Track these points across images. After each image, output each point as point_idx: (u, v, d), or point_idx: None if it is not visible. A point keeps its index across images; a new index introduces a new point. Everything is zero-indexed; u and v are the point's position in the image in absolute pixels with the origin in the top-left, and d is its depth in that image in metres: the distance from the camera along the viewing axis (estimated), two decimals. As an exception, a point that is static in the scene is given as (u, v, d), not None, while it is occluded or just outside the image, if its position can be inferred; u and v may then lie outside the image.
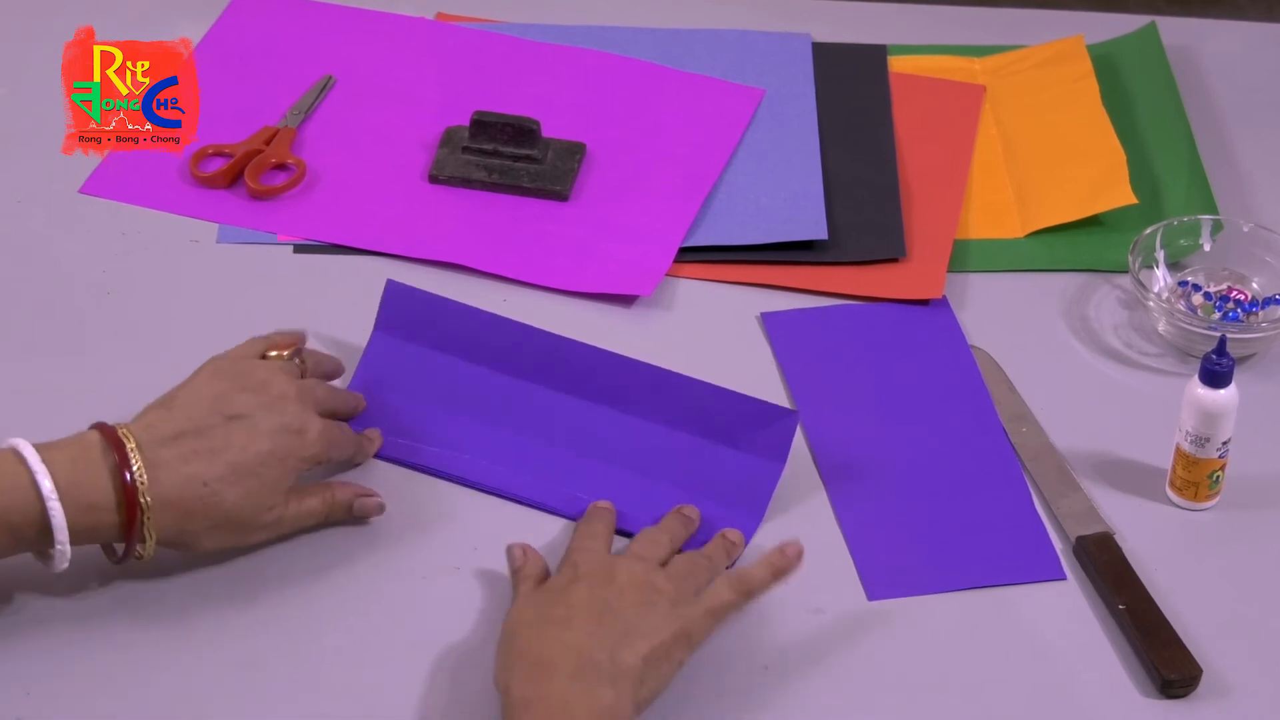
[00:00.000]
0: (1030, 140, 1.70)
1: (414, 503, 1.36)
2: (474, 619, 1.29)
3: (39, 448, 1.23)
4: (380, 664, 1.26)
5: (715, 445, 1.32)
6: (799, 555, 1.27)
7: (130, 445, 1.24)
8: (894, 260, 1.58)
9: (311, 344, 1.41)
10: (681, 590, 1.25)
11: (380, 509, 1.34)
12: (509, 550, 1.30)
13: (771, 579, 1.26)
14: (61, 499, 1.22)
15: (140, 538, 1.25)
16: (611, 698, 1.18)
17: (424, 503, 1.37)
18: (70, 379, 1.44)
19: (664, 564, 1.28)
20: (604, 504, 1.34)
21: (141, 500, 1.24)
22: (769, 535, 1.35)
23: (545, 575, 1.28)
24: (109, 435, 1.25)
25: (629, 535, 1.33)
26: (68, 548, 1.23)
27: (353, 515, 1.34)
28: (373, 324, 1.46)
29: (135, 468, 1.24)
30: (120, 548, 1.26)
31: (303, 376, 1.36)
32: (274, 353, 1.36)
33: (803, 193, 1.63)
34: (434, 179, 1.63)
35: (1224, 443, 1.35)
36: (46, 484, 1.22)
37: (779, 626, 1.29)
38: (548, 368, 1.41)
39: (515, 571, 1.29)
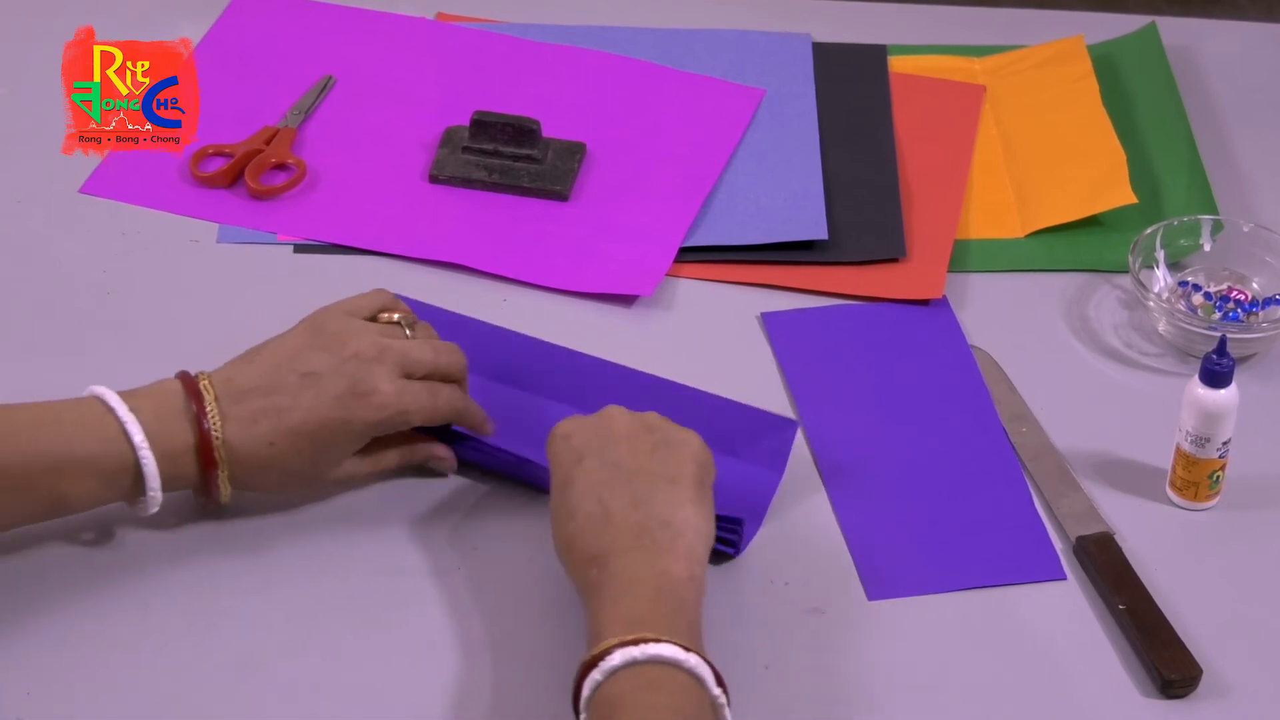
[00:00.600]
0: (1030, 140, 1.70)
1: (413, 502, 1.36)
2: (475, 618, 1.29)
3: (123, 395, 1.27)
4: (380, 664, 1.26)
5: (714, 454, 1.32)
6: None
7: (209, 398, 1.28)
8: (894, 260, 1.58)
9: None
10: (666, 429, 1.28)
11: (452, 467, 1.36)
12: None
13: None
14: (150, 447, 1.25)
15: (216, 485, 1.29)
16: (683, 566, 1.20)
17: (424, 502, 1.37)
18: (70, 379, 1.44)
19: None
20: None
21: (217, 453, 1.27)
22: (770, 534, 1.35)
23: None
24: (189, 385, 1.28)
25: None
26: (159, 494, 1.27)
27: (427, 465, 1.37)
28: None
29: (211, 418, 1.27)
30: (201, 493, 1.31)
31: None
32: (385, 315, 1.36)
33: (803, 193, 1.63)
34: (434, 179, 1.63)
35: (1224, 443, 1.35)
36: (138, 435, 1.25)
37: (779, 626, 1.29)
38: (546, 377, 1.41)
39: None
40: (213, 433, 1.27)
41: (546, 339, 1.48)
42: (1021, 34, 1.82)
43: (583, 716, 1.15)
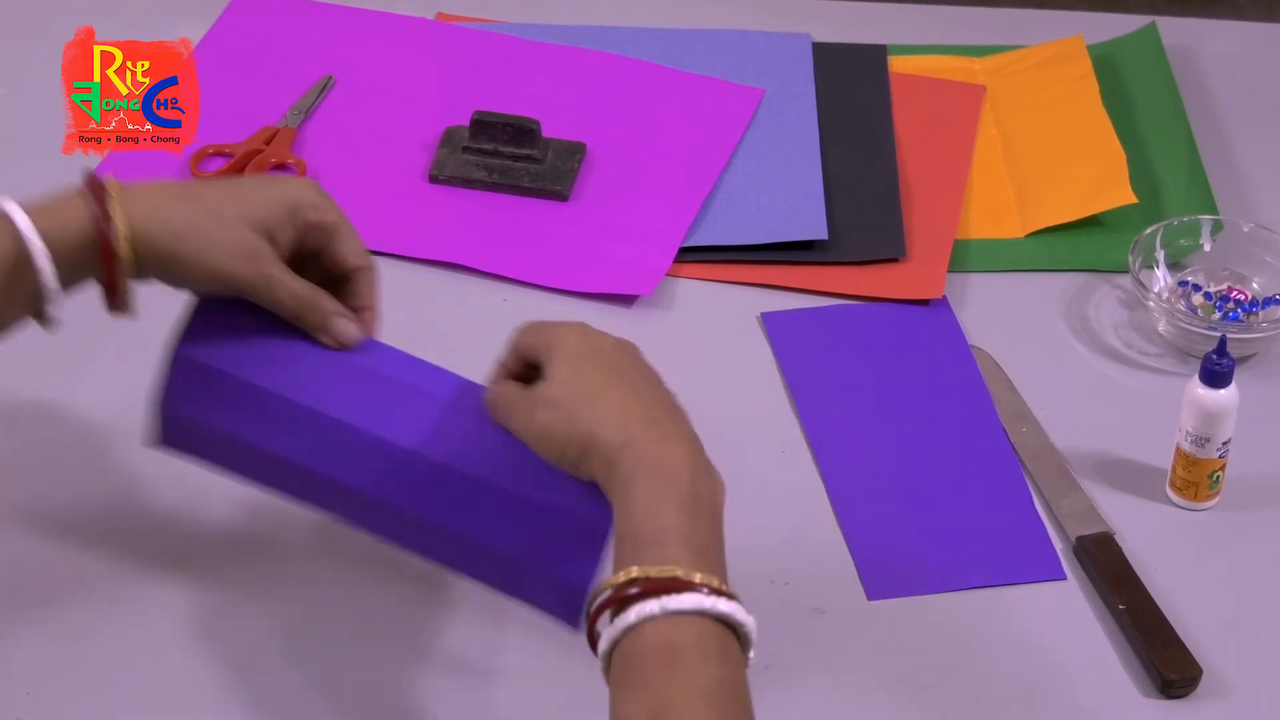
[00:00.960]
0: (1030, 140, 1.70)
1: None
2: (470, 618, 1.29)
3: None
4: (380, 664, 1.26)
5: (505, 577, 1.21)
6: None
7: (110, 189, 1.21)
8: (894, 260, 1.58)
9: None
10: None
11: (350, 338, 1.24)
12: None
13: None
14: (43, 236, 1.18)
15: (114, 253, 1.20)
16: (687, 451, 1.14)
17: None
18: (70, 379, 1.44)
19: None
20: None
21: (111, 207, 1.20)
22: (770, 534, 1.34)
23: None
24: (90, 179, 1.22)
25: None
26: (56, 285, 1.20)
27: (325, 332, 1.24)
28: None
29: (111, 202, 1.20)
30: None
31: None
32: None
33: (803, 193, 1.63)
34: (434, 179, 1.63)
35: (1224, 443, 1.35)
36: (22, 220, 1.18)
37: (779, 626, 1.29)
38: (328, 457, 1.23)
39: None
40: (111, 206, 1.20)
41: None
42: (1021, 34, 1.82)
43: (605, 642, 1.08)
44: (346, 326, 1.24)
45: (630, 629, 1.07)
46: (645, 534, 1.10)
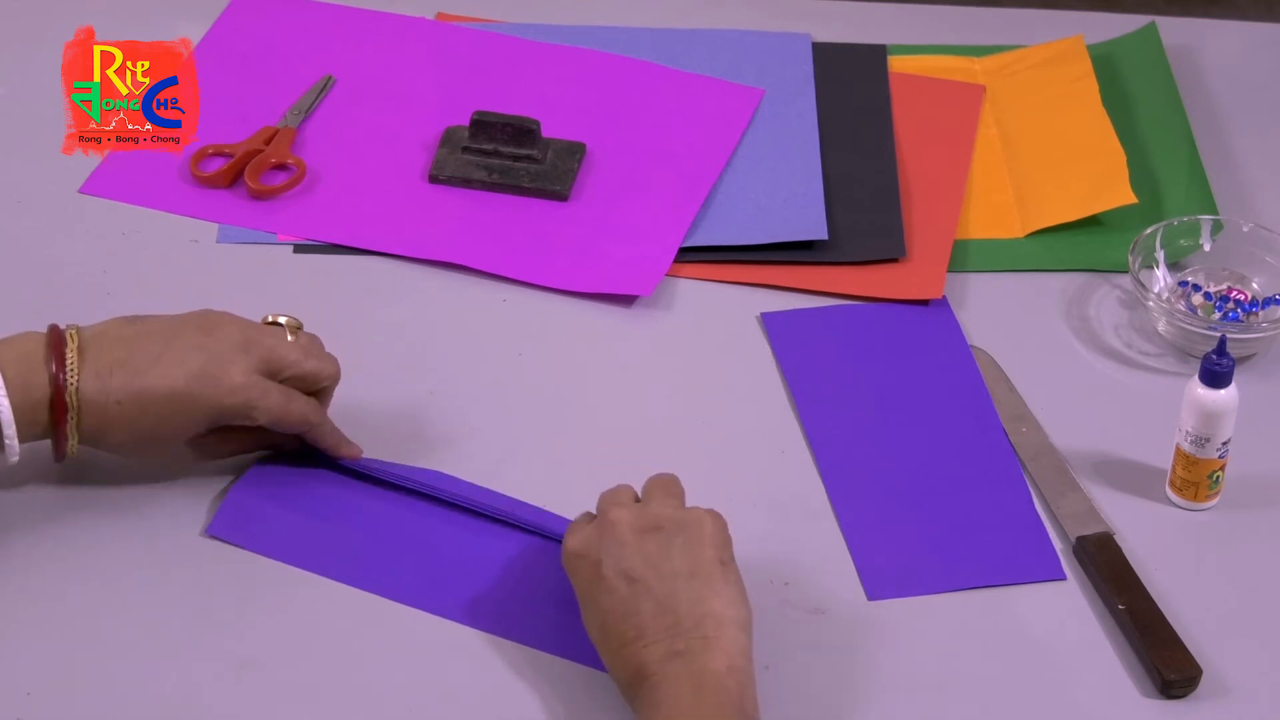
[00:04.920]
0: (1030, 140, 1.70)
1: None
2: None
3: None
4: (380, 665, 1.26)
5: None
6: None
7: (71, 346, 1.28)
8: (894, 260, 1.58)
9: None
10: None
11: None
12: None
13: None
14: (6, 392, 1.26)
15: (65, 434, 1.28)
16: (721, 659, 1.18)
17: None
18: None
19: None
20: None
21: (68, 398, 1.27)
22: (770, 534, 1.35)
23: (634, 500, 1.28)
24: (54, 335, 1.29)
25: None
26: (15, 441, 1.26)
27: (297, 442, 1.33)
28: (372, 326, 1.47)
29: (70, 366, 1.27)
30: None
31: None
32: (271, 316, 1.36)
33: (803, 193, 1.63)
34: (434, 179, 1.63)
35: (1224, 443, 1.35)
36: None
37: (779, 626, 1.29)
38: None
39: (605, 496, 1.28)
40: (68, 380, 1.27)
41: (546, 339, 1.48)
42: (1021, 34, 1.82)
43: None
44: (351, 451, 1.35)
45: None
46: None
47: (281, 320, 1.36)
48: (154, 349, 1.29)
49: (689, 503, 1.27)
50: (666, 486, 1.27)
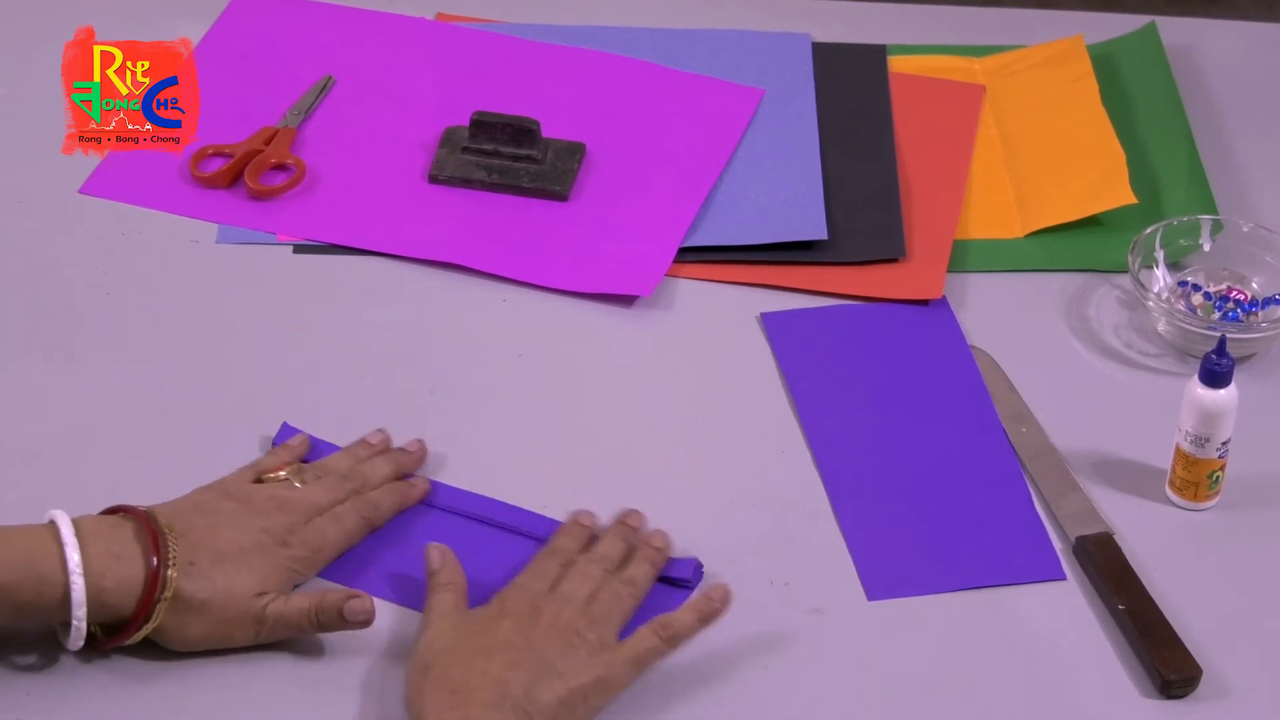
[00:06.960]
0: (1030, 140, 1.70)
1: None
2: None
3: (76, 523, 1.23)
4: (378, 665, 1.26)
5: None
6: (725, 600, 1.25)
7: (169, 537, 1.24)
8: (894, 260, 1.58)
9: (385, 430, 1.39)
10: (605, 636, 1.23)
11: (367, 613, 1.25)
12: (427, 551, 1.28)
13: (698, 625, 1.25)
14: (84, 574, 1.21)
15: (147, 618, 1.23)
16: None
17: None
18: (69, 379, 1.44)
19: (593, 595, 1.26)
20: (563, 540, 1.30)
21: (161, 586, 1.23)
22: (770, 534, 1.35)
23: (463, 588, 1.26)
24: (146, 525, 1.24)
25: None
26: (84, 624, 1.22)
27: (344, 620, 1.26)
28: (372, 326, 1.47)
29: (171, 557, 1.23)
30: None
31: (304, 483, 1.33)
32: (270, 476, 1.33)
33: (802, 193, 1.63)
34: (434, 179, 1.63)
35: (1224, 443, 1.35)
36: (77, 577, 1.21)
37: (779, 626, 1.29)
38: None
39: (431, 575, 1.27)
40: (166, 567, 1.22)
41: (546, 339, 1.48)
42: (1021, 34, 1.82)
43: None
44: (358, 605, 1.25)
45: None
46: None
47: (283, 475, 1.33)
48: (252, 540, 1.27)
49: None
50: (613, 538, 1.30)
